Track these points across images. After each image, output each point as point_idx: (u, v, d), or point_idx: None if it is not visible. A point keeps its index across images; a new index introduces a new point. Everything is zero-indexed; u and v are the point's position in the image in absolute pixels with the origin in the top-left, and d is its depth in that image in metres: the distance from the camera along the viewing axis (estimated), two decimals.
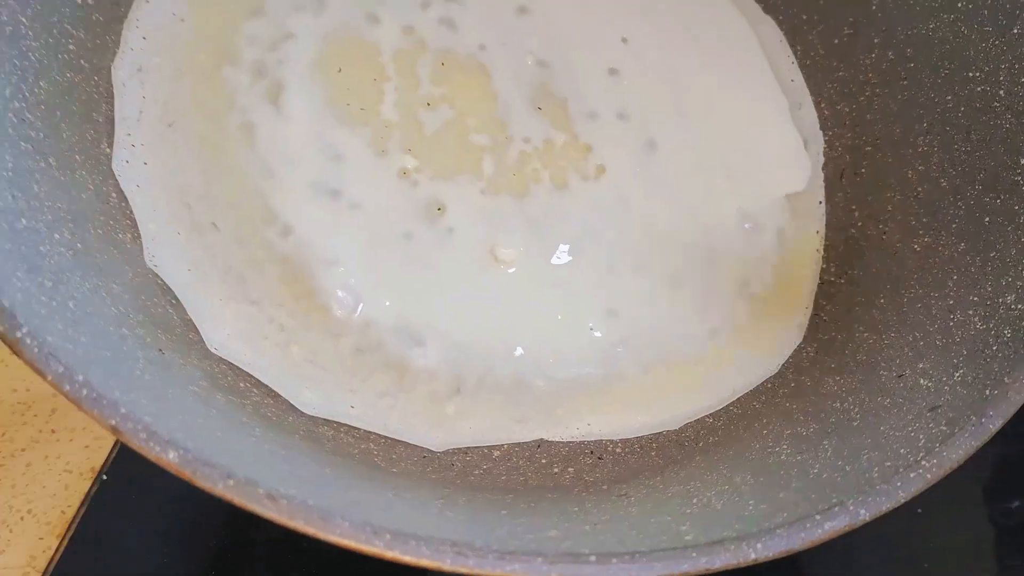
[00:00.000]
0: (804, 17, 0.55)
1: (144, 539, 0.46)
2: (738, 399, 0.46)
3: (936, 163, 0.47)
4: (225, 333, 0.43)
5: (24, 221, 0.35)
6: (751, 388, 0.46)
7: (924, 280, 0.44)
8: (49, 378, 0.28)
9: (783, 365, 0.47)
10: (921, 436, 0.34)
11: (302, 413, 0.42)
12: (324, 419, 0.42)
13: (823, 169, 0.52)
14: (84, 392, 0.29)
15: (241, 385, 0.41)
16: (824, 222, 0.51)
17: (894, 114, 0.50)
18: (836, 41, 0.54)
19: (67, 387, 0.28)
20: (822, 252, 0.50)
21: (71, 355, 0.30)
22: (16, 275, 0.32)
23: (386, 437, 0.42)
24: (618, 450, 0.44)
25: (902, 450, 0.34)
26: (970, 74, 0.47)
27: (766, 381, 0.46)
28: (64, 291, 0.34)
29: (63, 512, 0.49)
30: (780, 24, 0.55)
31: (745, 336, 0.48)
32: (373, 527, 0.28)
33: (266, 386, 0.42)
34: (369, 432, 0.42)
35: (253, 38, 0.49)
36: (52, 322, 0.31)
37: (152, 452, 0.28)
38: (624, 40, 0.53)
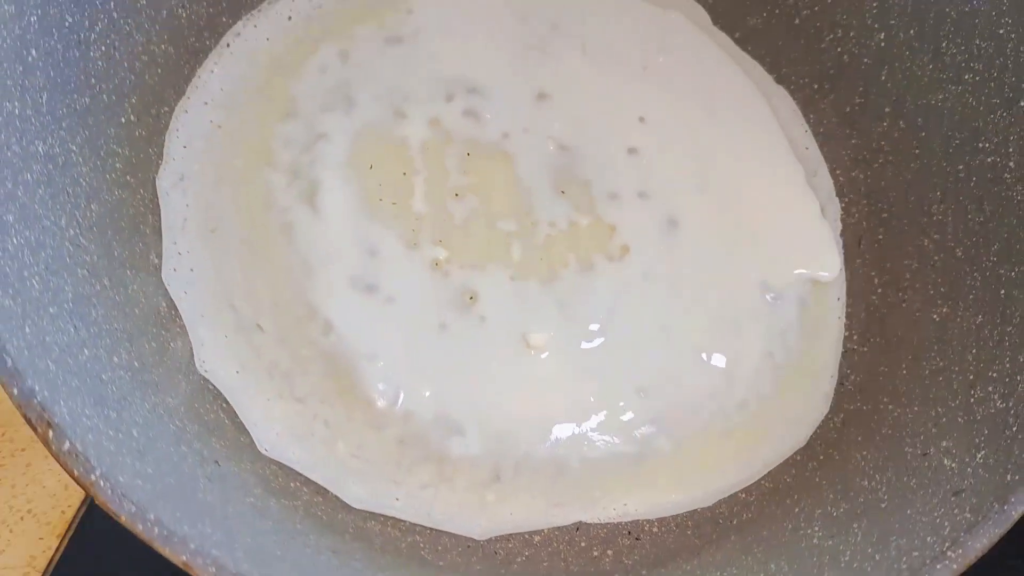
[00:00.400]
0: (816, 87, 0.56)
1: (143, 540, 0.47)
2: (769, 473, 0.47)
3: (951, 232, 0.49)
4: (274, 433, 0.45)
5: (87, 351, 0.38)
6: (781, 461, 0.47)
7: (944, 352, 0.46)
8: (123, 519, 0.30)
9: (811, 437, 0.48)
10: (947, 523, 0.36)
11: (350, 509, 0.44)
12: (371, 512, 0.44)
13: (841, 235, 0.54)
14: (156, 531, 0.31)
15: (292, 485, 0.43)
16: (845, 289, 0.52)
17: (908, 182, 0.52)
18: (848, 110, 0.55)
19: (140, 527, 0.31)
20: (844, 320, 0.52)
21: (141, 492, 0.32)
22: (85, 412, 0.34)
23: (431, 528, 0.44)
24: (655, 529, 0.46)
25: (929, 538, 0.35)
26: (980, 145, 0.48)
27: (796, 454, 0.48)
28: (127, 418, 0.36)
29: (63, 512, 0.50)
30: (792, 94, 0.57)
31: (773, 407, 0.49)
32: None
33: (315, 484, 0.44)
34: (415, 524, 0.44)
35: (287, 140, 0.51)
36: (121, 458, 0.33)
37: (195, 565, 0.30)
38: (641, 119, 0.54)
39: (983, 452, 0.39)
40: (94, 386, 0.36)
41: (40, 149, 0.41)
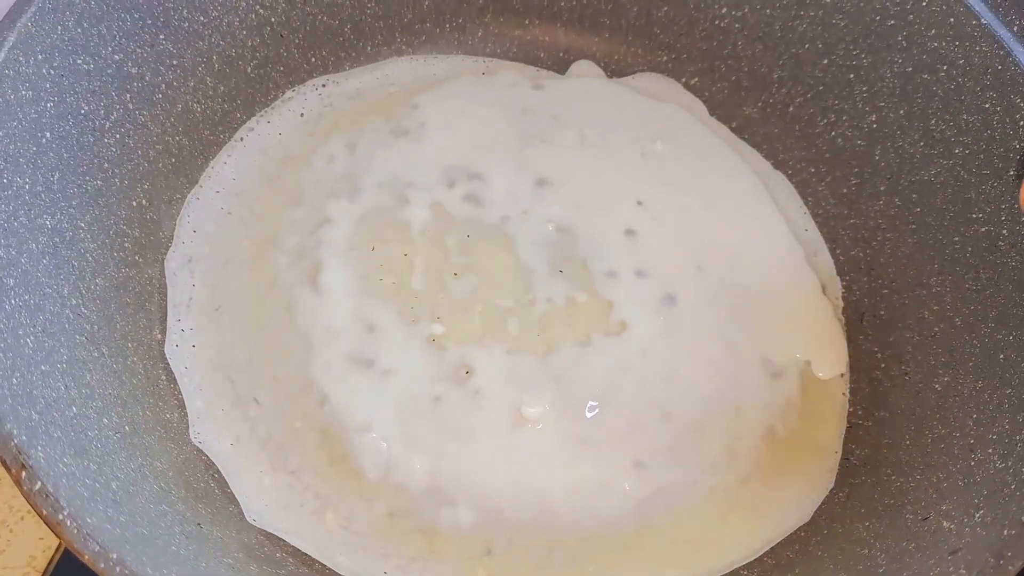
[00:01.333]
0: (812, 170, 0.57)
1: None
2: (771, 548, 0.46)
3: (949, 302, 0.48)
4: (264, 503, 0.45)
5: (75, 409, 0.39)
6: (784, 537, 0.46)
7: (946, 420, 0.45)
8: (86, 557, 0.31)
9: (815, 512, 0.47)
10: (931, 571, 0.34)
11: None
12: None
13: (843, 313, 0.53)
14: (118, 569, 0.31)
15: (277, 555, 0.43)
16: (848, 365, 0.52)
17: (906, 256, 0.52)
18: (844, 191, 0.56)
19: (102, 565, 0.31)
20: (848, 396, 0.51)
21: (108, 535, 0.32)
22: (63, 460, 0.35)
23: None
24: None
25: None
26: (974, 215, 0.49)
27: (799, 529, 0.46)
28: (108, 472, 0.37)
29: None
30: (790, 178, 0.58)
31: (775, 483, 0.48)
32: None
33: (302, 554, 0.44)
34: None
35: (294, 225, 0.53)
36: (93, 503, 0.34)
37: None
38: (639, 203, 0.55)
39: (981, 512, 0.37)
40: (77, 439, 0.37)
41: (48, 223, 0.43)
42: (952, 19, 0.50)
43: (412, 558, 0.45)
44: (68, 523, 0.31)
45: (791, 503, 0.48)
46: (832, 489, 0.48)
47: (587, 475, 0.47)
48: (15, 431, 0.33)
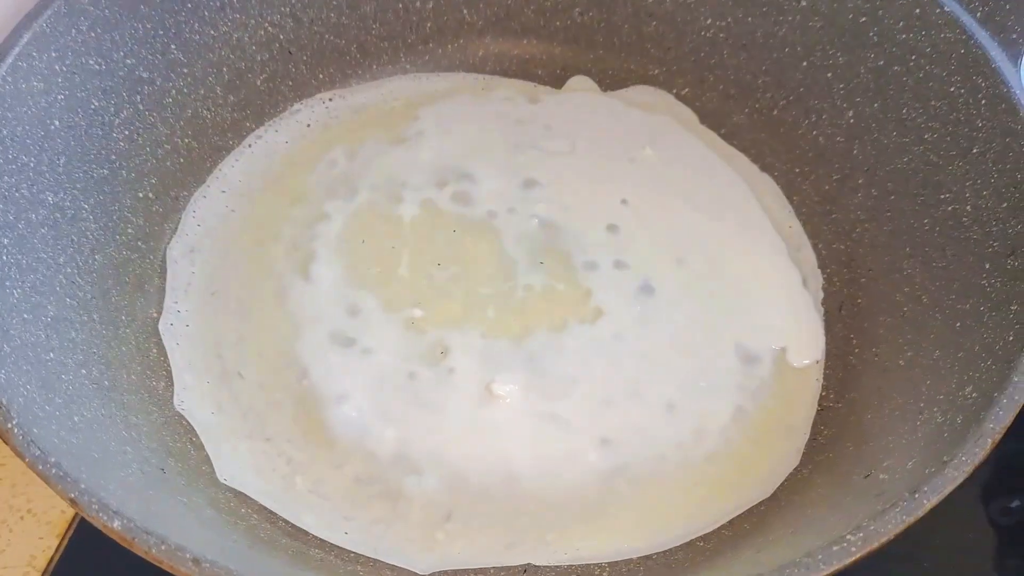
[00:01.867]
0: (797, 170, 0.58)
1: None
2: (729, 520, 0.45)
3: (919, 282, 0.49)
4: (237, 466, 0.47)
5: (53, 355, 0.42)
6: (744, 510, 0.46)
7: (904, 390, 0.44)
8: (27, 460, 0.33)
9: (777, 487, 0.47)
10: (860, 515, 0.34)
11: (295, 537, 0.44)
12: (317, 542, 0.45)
13: (823, 304, 0.54)
14: (53, 471, 0.33)
15: (242, 510, 0.45)
16: (824, 352, 0.52)
17: (882, 245, 0.52)
18: (827, 187, 0.57)
19: (40, 467, 0.33)
20: (821, 381, 0.51)
21: (50, 444, 0.35)
22: (26, 387, 0.37)
23: (374, 560, 0.44)
24: (605, 574, 0.44)
25: (837, 531, 0.34)
26: (942, 196, 0.49)
27: (759, 503, 0.46)
28: (74, 408, 0.40)
29: (63, 511, 0.50)
30: (776, 180, 0.59)
31: (742, 461, 0.48)
32: None
33: (267, 512, 0.45)
34: (359, 555, 0.45)
35: (292, 221, 0.56)
36: (47, 422, 0.36)
37: (99, 518, 0.32)
38: (624, 201, 0.57)
39: (913, 460, 0.37)
40: (48, 378, 0.40)
41: (50, 199, 0.47)
42: (918, 10, 0.51)
43: (374, 521, 0.46)
44: (15, 431, 0.34)
45: (755, 479, 0.48)
46: (796, 467, 0.47)
47: (552, 447, 0.48)
48: None
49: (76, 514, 0.49)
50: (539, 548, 0.46)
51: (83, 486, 0.33)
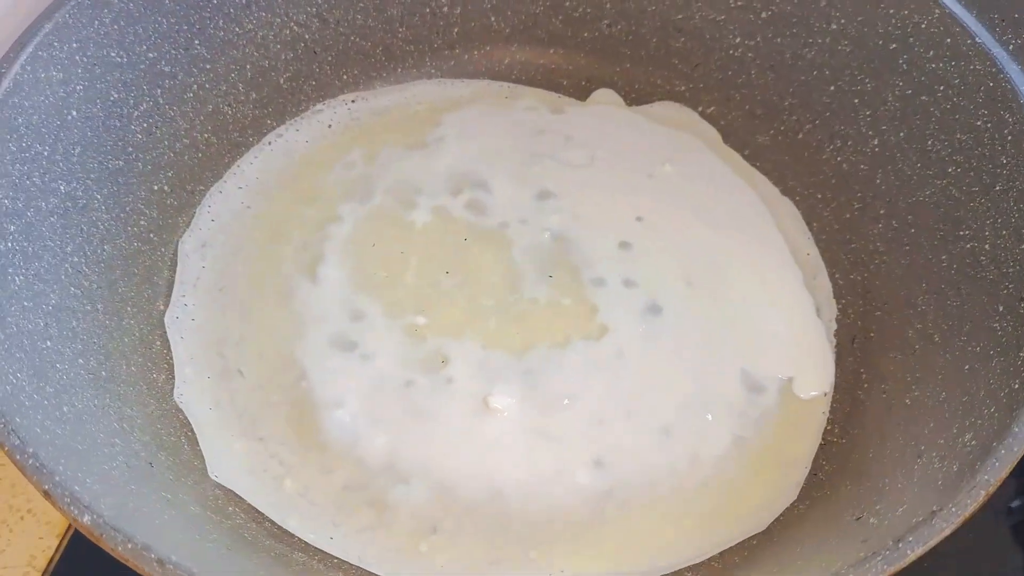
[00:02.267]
0: (819, 196, 0.57)
1: None
2: (720, 552, 0.45)
3: (932, 320, 0.47)
4: (228, 464, 0.47)
5: (49, 344, 0.42)
6: (736, 543, 0.45)
7: (907, 430, 0.43)
8: (5, 449, 0.34)
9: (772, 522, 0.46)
10: (842, 560, 0.33)
11: (280, 539, 0.44)
12: (302, 546, 0.45)
13: (835, 335, 0.52)
14: (30, 462, 0.33)
15: (229, 509, 0.45)
16: (833, 385, 0.50)
17: (899, 278, 0.51)
18: (848, 216, 0.55)
19: (17, 457, 0.33)
20: (828, 414, 0.49)
21: (35, 437, 0.35)
22: (16, 374, 0.38)
23: (358, 568, 0.44)
24: None
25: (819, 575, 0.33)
26: (961, 232, 0.48)
27: (751, 536, 0.45)
28: (65, 398, 0.40)
29: None
30: (798, 204, 0.58)
31: (737, 491, 0.47)
32: None
33: (254, 512, 0.45)
34: (342, 562, 0.44)
35: (304, 221, 0.57)
36: (32, 412, 0.37)
37: (70, 512, 0.32)
38: (639, 218, 0.56)
39: (904, 507, 0.36)
40: (41, 366, 0.40)
41: (62, 188, 0.48)
42: (949, 39, 0.50)
43: (360, 529, 0.46)
44: None
45: (749, 512, 0.47)
46: (794, 502, 0.46)
47: (544, 466, 0.47)
48: None
49: None
50: (523, 566, 0.45)
51: (57, 479, 0.33)
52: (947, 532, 0.33)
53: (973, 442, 0.37)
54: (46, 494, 0.33)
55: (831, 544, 0.39)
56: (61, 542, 0.49)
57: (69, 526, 0.50)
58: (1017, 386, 0.38)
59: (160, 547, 0.32)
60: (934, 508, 0.34)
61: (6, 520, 0.50)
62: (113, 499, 0.35)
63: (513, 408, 0.49)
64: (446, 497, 0.46)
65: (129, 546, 0.32)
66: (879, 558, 0.32)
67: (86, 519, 0.32)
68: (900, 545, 0.32)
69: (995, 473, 0.34)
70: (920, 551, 0.32)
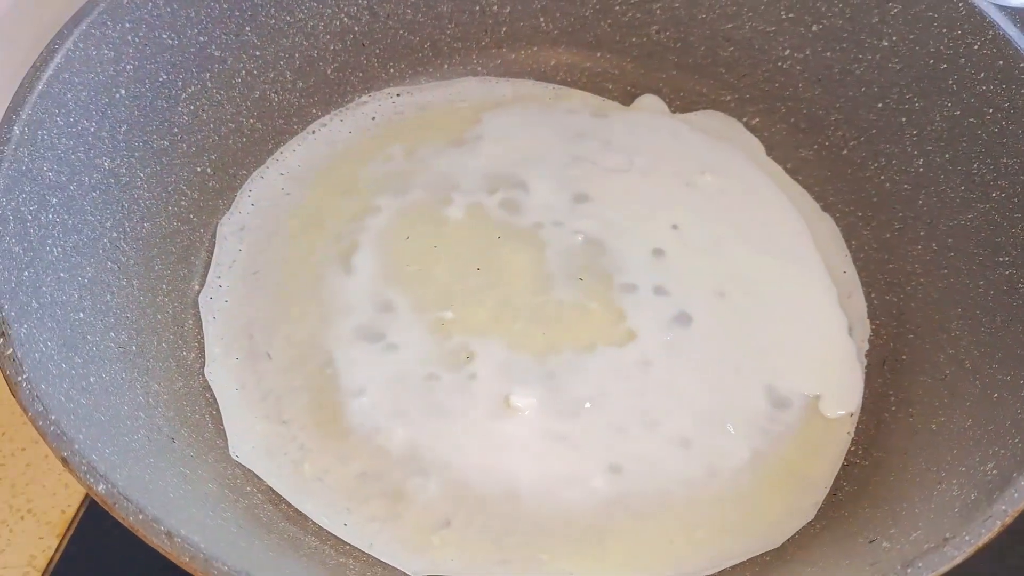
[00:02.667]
0: (859, 214, 0.56)
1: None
2: (732, 567, 0.44)
3: (964, 346, 0.46)
4: (250, 446, 0.48)
5: (82, 315, 0.43)
6: (747, 559, 0.44)
7: (930, 457, 0.42)
8: (29, 414, 0.34)
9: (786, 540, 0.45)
10: None
11: (295, 522, 0.45)
12: (315, 530, 0.45)
13: (866, 356, 0.52)
14: (52, 429, 0.34)
15: (247, 489, 0.46)
16: (860, 406, 0.50)
17: (934, 301, 0.50)
18: (887, 235, 0.54)
19: (40, 423, 0.34)
20: (852, 435, 0.49)
21: (57, 403, 0.36)
22: (46, 343, 0.39)
23: (368, 556, 0.45)
24: None
25: None
26: (1000, 259, 0.47)
27: (764, 553, 0.44)
28: (92, 369, 0.41)
29: (63, 511, 0.50)
30: (838, 221, 0.57)
31: (753, 506, 0.47)
32: None
33: (271, 493, 0.46)
34: (354, 548, 0.45)
35: (341, 210, 0.57)
36: (59, 380, 0.38)
37: (86, 480, 0.33)
38: (674, 227, 0.56)
39: (918, 532, 0.35)
40: (72, 337, 0.41)
41: (106, 164, 0.49)
42: (1001, 62, 0.49)
43: (373, 517, 0.46)
44: (23, 385, 0.35)
45: (764, 529, 0.46)
46: (810, 521, 0.46)
47: (560, 468, 0.47)
48: (6, 306, 0.37)
49: (76, 514, 0.50)
50: (531, 567, 0.45)
51: (76, 447, 0.34)
52: (958, 560, 0.32)
53: (995, 471, 0.36)
54: (64, 461, 0.34)
55: (842, 566, 0.38)
56: (61, 542, 0.49)
57: (69, 526, 0.50)
58: None
59: (170, 520, 0.32)
60: (947, 535, 0.33)
61: (6, 520, 0.50)
62: (129, 470, 0.36)
63: (534, 408, 0.49)
64: (460, 492, 0.47)
65: (140, 517, 0.32)
66: None
67: (101, 488, 0.33)
68: (909, 571, 0.32)
69: (1013, 504, 0.34)
70: None
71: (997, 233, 0.47)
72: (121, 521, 0.32)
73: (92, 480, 0.33)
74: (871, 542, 0.38)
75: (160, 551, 0.32)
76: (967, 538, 0.33)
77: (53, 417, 0.35)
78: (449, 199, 0.57)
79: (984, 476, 0.37)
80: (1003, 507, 0.34)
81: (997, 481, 0.36)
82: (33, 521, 0.50)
